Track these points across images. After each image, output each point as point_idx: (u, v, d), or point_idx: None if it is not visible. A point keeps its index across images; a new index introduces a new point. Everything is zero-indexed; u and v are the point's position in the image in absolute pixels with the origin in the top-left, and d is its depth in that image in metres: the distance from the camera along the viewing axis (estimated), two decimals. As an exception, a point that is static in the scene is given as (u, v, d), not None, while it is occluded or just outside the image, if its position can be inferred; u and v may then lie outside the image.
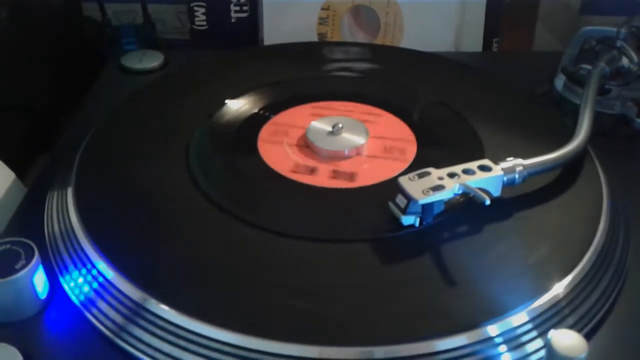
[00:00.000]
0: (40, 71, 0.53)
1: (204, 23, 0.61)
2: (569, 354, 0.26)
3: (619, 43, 0.47)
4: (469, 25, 0.60)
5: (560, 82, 0.49)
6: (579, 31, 0.49)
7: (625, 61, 0.46)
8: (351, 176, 0.38)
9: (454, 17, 0.59)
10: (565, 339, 0.26)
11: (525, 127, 0.43)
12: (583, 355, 0.26)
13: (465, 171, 0.34)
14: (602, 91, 0.46)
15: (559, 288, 0.31)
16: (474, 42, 0.60)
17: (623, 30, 0.47)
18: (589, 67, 0.46)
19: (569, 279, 0.32)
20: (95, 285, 0.32)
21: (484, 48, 0.61)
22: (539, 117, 0.45)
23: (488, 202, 0.32)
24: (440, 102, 0.45)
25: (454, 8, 0.59)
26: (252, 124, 0.43)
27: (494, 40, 0.62)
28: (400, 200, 0.33)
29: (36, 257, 0.32)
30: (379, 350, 0.28)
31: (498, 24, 0.61)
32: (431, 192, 0.32)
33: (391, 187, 0.34)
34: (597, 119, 0.44)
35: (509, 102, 0.46)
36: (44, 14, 0.55)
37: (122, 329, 0.31)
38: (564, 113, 0.46)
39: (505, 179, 0.34)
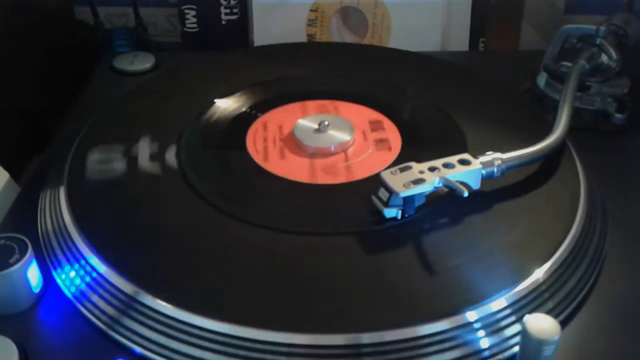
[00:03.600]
0: (34, 73, 0.54)
1: (195, 25, 0.62)
2: (543, 336, 0.27)
3: (598, 41, 0.48)
4: (455, 25, 0.61)
5: (542, 79, 0.51)
6: (560, 29, 0.50)
7: (604, 58, 0.47)
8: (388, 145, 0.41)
9: (441, 17, 0.60)
10: (540, 322, 0.27)
11: (508, 123, 0.44)
12: (556, 337, 0.27)
13: (446, 165, 0.35)
14: (583, 88, 0.47)
15: (537, 275, 0.32)
16: (460, 41, 0.62)
17: (602, 28, 0.48)
18: (570, 64, 0.47)
19: (546, 266, 0.33)
20: (87, 279, 0.33)
21: (470, 47, 0.62)
22: (521, 113, 0.46)
23: (466, 194, 0.33)
24: (425, 99, 0.46)
25: (440, 8, 0.60)
26: (241, 122, 0.44)
27: (480, 40, 0.63)
28: (383, 193, 0.34)
29: (29, 251, 0.33)
30: (366, 337, 0.30)
31: (484, 24, 0.62)
32: (412, 185, 0.33)
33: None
34: (578, 114, 0.45)
35: (492, 99, 0.47)
36: (38, 18, 0.56)
37: (114, 320, 0.31)
38: (546, 109, 0.47)
39: (484, 172, 0.35)
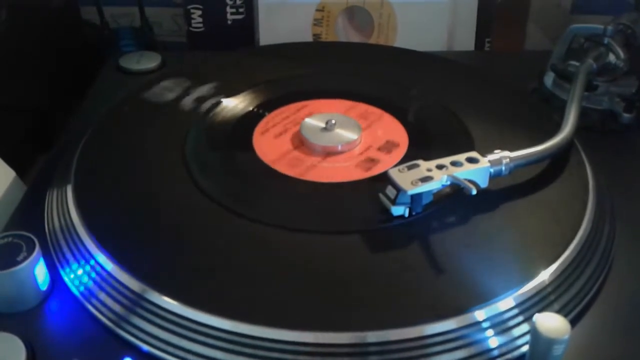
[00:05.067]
0: (40, 72, 0.54)
1: (201, 25, 0.62)
2: (553, 335, 0.27)
3: (606, 40, 0.48)
4: (461, 25, 0.61)
5: (549, 78, 0.50)
6: (567, 29, 0.50)
7: (612, 58, 0.47)
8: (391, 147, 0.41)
9: (447, 17, 0.60)
10: (549, 321, 0.27)
11: (515, 122, 0.44)
12: (566, 336, 0.27)
13: (453, 163, 0.35)
14: (590, 87, 0.47)
15: (545, 275, 0.32)
16: (466, 41, 0.61)
17: (610, 28, 0.48)
18: (577, 63, 0.47)
19: (555, 266, 0.33)
20: (94, 277, 0.33)
21: (476, 47, 0.62)
22: (529, 113, 0.46)
23: (474, 192, 0.33)
24: (432, 99, 0.46)
25: (446, 8, 0.60)
26: (248, 121, 0.44)
27: (486, 40, 0.63)
28: (390, 191, 0.34)
29: (37, 249, 0.33)
30: (372, 335, 0.29)
31: (490, 24, 0.62)
32: (420, 183, 0.33)
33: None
34: (585, 114, 0.45)
35: (500, 99, 0.47)
36: (43, 17, 0.56)
37: (122, 318, 0.32)
38: (553, 109, 0.47)
39: (492, 170, 0.35)
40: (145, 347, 0.31)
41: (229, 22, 0.62)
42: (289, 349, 0.29)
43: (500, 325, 0.30)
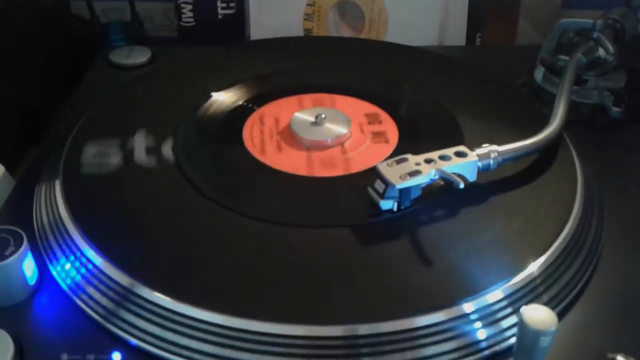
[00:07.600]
0: (30, 67, 0.54)
1: (191, 20, 0.62)
2: (540, 327, 0.27)
3: (595, 34, 0.48)
4: (452, 20, 0.61)
5: (539, 73, 0.51)
6: (556, 23, 0.50)
7: (601, 52, 0.47)
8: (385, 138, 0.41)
9: (438, 12, 0.60)
10: (537, 313, 0.27)
11: (505, 117, 0.44)
12: (553, 328, 0.27)
13: (442, 157, 0.35)
14: (580, 81, 0.47)
15: (533, 267, 0.32)
16: (457, 36, 0.61)
17: (599, 22, 0.48)
18: (566, 58, 0.47)
19: (542, 259, 0.33)
20: (83, 271, 0.33)
21: (467, 42, 0.62)
22: (518, 107, 0.46)
23: (462, 185, 0.33)
24: (423, 94, 0.46)
25: (438, 3, 0.60)
26: (238, 115, 0.44)
27: (477, 34, 0.63)
28: (379, 185, 0.34)
29: (25, 243, 0.32)
30: (362, 328, 0.30)
31: (481, 19, 0.62)
32: (408, 177, 0.33)
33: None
34: (575, 108, 0.45)
35: (490, 93, 0.47)
36: (33, 12, 0.55)
37: (110, 312, 0.31)
38: (543, 103, 0.47)
39: (480, 164, 0.35)
40: (134, 341, 0.31)
41: (220, 16, 0.62)
42: (280, 342, 0.29)
43: (489, 317, 0.30)
